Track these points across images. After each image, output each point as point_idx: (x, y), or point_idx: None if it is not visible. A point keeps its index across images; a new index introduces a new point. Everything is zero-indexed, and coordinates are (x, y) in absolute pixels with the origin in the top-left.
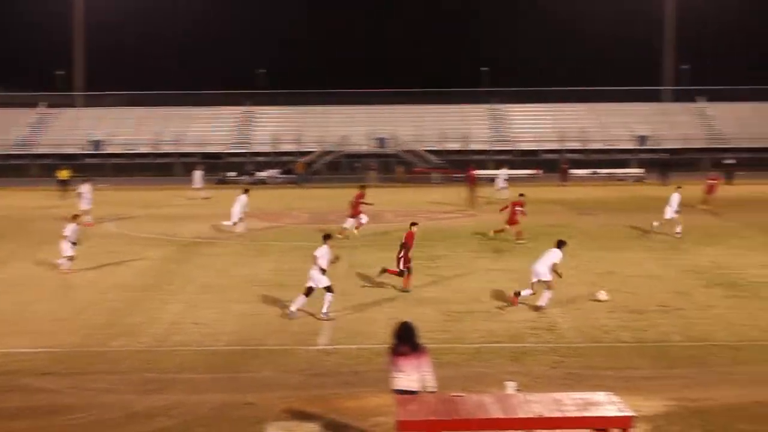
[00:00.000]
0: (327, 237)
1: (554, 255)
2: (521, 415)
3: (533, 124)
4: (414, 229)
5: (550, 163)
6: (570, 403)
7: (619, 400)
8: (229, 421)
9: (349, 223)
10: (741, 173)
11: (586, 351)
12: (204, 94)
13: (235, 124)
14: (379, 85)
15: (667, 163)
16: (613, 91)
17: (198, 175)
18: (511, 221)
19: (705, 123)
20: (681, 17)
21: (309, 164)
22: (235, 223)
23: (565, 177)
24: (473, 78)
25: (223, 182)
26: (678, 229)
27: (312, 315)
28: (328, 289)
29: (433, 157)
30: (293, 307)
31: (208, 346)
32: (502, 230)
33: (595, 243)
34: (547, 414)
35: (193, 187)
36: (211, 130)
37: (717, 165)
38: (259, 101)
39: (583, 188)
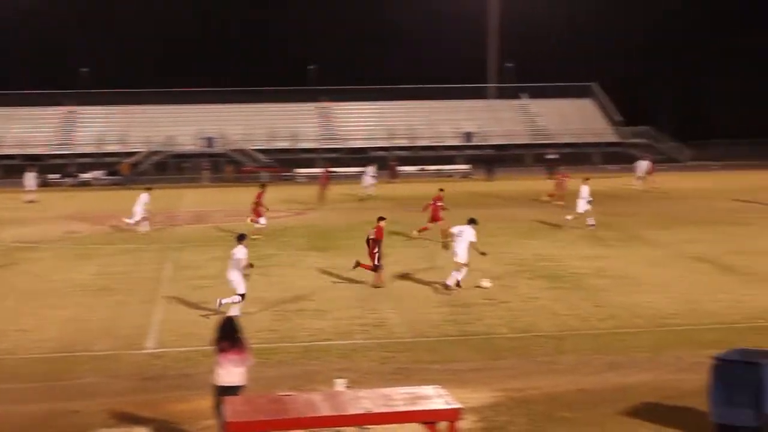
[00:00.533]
0: (241, 237)
1: (468, 233)
2: (351, 411)
3: (362, 121)
4: (382, 223)
5: (379, 161)
6: (399, 397)
7: (447, 393)
8: (53, 430)
9: (262, 221)
10: (563, 168)
11: (414, 346)
12: (25, 93)
13: (58, 124)
14: (207, 84)
15: (493, 159)
16: (440, 88)
17: (29, 176)
18: (434, 218)
19: (528, 119)
20: (504, 15)
21: (135, 165)
22: (137, 222)
23: (393, 174)
24: (301, 76)
25: (46, 184)
26: (591, 221)
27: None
28: (242, 296)
29: (262, 156)
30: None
31: (32, 354)
32: (425, 228)
33: (422, 238)
34: (376, 409)
35: (26, 189)
36: (32, 130)
37: (540, 160)
38: (83, 101)
39: (411, 185)
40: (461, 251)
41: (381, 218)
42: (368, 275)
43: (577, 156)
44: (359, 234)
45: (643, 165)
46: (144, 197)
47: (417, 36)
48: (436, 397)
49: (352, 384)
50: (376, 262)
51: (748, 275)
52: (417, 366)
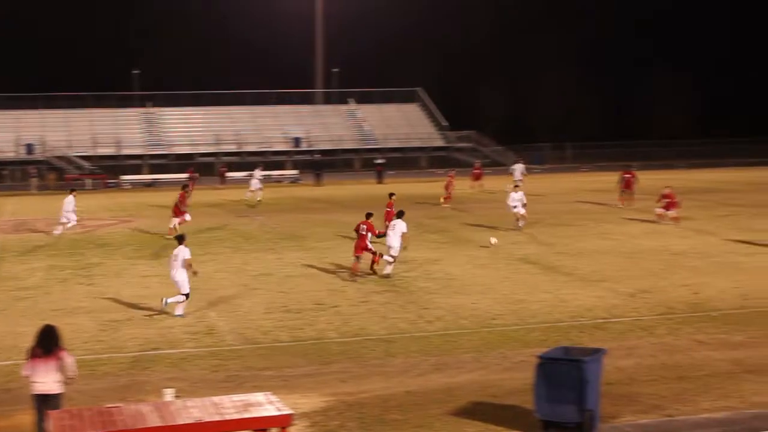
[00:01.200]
0: (181, 238)
1: (401, 225)
2: (180, 421)
3: (188, 127)
4: (371, 220)
5: (206, 167)
6: (229, 405)
7: (278, 400)
8: None
9: (174, 222)
10: (391, 172)
11: (245, 353)
12: None
13: None
14: (25, 90)
15: (321, 164)
16: (267, 94)
17: None
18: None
19: (356, 124)
20: (330, 22)
21: None
22: (63, 225)
23: (222, 180)
24: (124, 81)
25: None
26: (521, 223)
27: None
28: (187, 296)
29: (85, 163)
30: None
31: None
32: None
33: (251, 245)
34: (206, 418)
35: None
36: None
37: (369, 165)
38: None
39: (240, 191)
40: (395, 242)
41: (369, 214)
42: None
43: (404, 160)
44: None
45: (518, 169)
46: (70, 199)
47: (243, 41)
48: (267, 404)
49: (182, 393)
50: (369, 250)
51: (571, 275)
52: (248, 373)
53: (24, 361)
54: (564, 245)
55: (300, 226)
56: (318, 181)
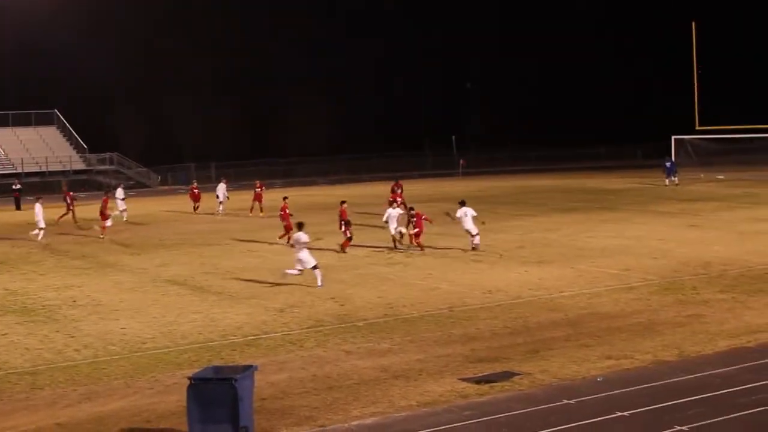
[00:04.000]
0: (300, 225)
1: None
2: None
3: None
4: (345, 206)
5: None
6: None
7: None
8: None
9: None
10: (29, 198)
11: None
12: None
13: None
14: None
15: None
16: None
17: None
18: (287, 226)
19: None
20: None
21: None
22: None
23: None
24: None
25: None
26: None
27: None
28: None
29: None
30: None
31: None
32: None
33: None
34: None
35: None
36: None
37: (7, 191)
38: None
39: None
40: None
41: (343, 201)
42: None
43: (44, 185)
44: None
45: (120, 192)
46: None
47: None
48: None
49: None
50: (347, 235)
51: (220, 294)
52: None
53: None
54: (212, 264)
55: None
56: None
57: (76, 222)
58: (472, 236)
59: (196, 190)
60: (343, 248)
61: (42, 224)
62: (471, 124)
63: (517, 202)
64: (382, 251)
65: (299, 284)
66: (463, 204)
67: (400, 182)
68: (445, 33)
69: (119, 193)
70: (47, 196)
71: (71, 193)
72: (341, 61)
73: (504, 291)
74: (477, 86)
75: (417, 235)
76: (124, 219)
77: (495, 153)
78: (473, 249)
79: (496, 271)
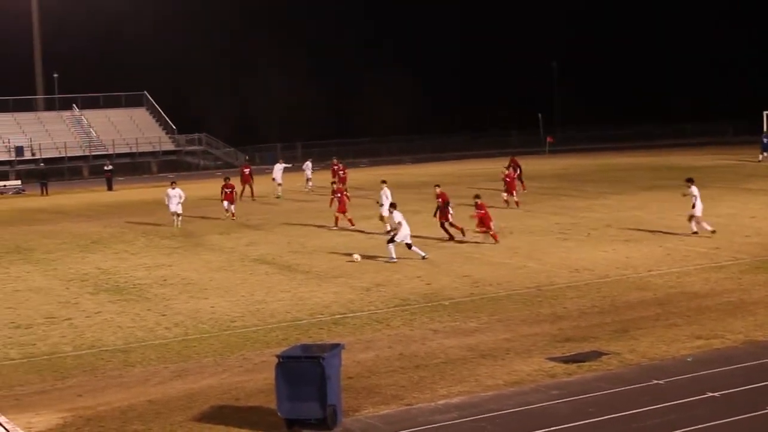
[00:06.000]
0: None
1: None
2: None
3: None
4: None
5: None
6: None
7: (8, 421)
8: None
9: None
10: (121, 179)
11: None
12: None
13: None
14: None
15: (46, 173)
16: None
17: None
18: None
19: (81, 131)
20: (46, 25)
21: None
22: None
23: None
24: None
25: None
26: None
27: None
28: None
29: None
30: None
31: None
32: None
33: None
34: None
35: None
36: None
37: (98, 172)
38: None
39: None
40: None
41: (437, 185)
42: None
43: (134, 166)
44: None
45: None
46: None
47: None
48: None
49: None
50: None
51: (307, 273)
52: None
53: None
54: (299, 244)
55: (26, 238)
56: (44, 190)
57: (253, 197)
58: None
59: (246, 170)
60: (463, 232)
61: (178, 208)
62: (557, 102)
63: (603, 180)
64: (468, 230)
65: (384, 265)
66: (691, 181)
67: (515, 158)
68: (531, 9)
69: (277, 170)
70: (136, 178)
71: (250, 168)
72: (425, 39)
73: (591, 270)
74: (563, 64)
75: (479, 224)
76: (279, 195)
77: (582, 131)
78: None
79: (583, 250)
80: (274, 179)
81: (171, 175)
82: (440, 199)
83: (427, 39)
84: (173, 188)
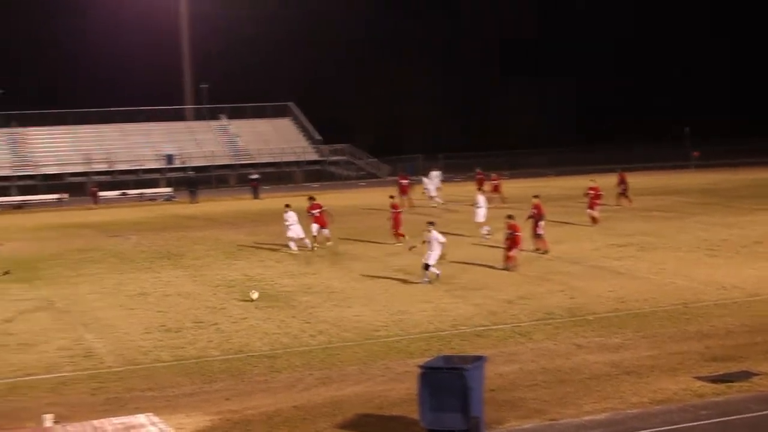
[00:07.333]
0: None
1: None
2: None
3: (56, 147)
4: (537, 200)
5: (77, 187)
6: (110, 428)
7: (160, 421)
8: None
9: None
10: (266, 188)
11: (125, 374)
12: None
13: None
14: None
15: (195, 181)
16: (137, 111)
17: None
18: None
19: (228, 140)
20: (196, 37)
21: None
22: None
23: (95, 200)
24: None
25: None
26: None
27: None
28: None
29: None
30: None
31: None
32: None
33: (126, 265)
34: None
35: None
36: None
37: (244, 180)
38: None
39: (113, 210)
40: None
41: (536, 196)
42: None
43: (279, 175)
44: (64, 262)
45: (434, 176)
46: None
47: (110, 59)
48: (149, 425)
49: (61, 419)
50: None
51: (449, 284)
52: (130, 395)
53: None
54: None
55: (176, 244)
56: (193, 198)
57: (411, 207)
58: None
59: (404, 181)
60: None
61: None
62: (705, 115)
63: (753, 195)
64: (612, 246)
65: (526, 277)
66: None
67: (623, 174)
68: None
69: (430, 181)
70: (281, 187)
71: (407, 179)
72: (579, 46)
73: (740, 288)
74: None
75: (510, 248)
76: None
77: (731, 145)
78: None
79: (732, 267)
80: (427, 190)
81: (315, 185)
82: (535, 210)
83: (581, 46)
84: (288, 211)
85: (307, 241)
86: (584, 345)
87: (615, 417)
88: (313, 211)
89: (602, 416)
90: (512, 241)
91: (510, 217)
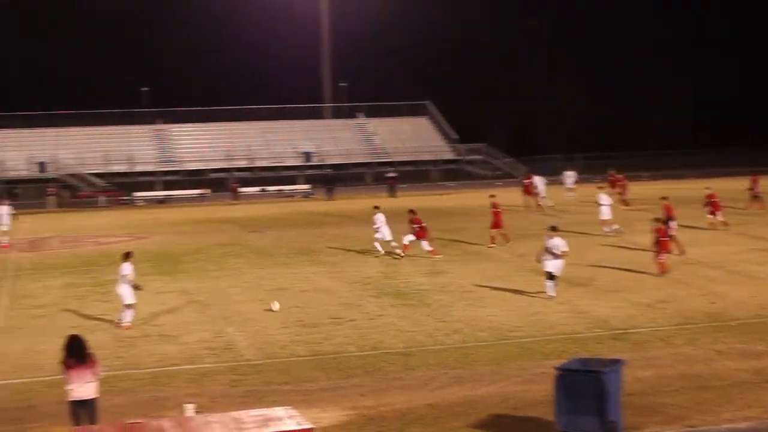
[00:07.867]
0: (127, 255)
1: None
2: None
3: (199, 143)
4: (667, 202)
5: (218, 183)
6: (249, 420)
7: (298, 414)
8: None
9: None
10: (403, 186)
11: (264, 367)
12: None
13: None
14: (36, 108)
15: (332, 179)
16: (276, 109)
17: None
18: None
19: (365, 138)
20: (336, 35)
21: None
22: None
23: (235, 196)
24: (134, 98)
25: None
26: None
27: None
28: (130, 306)
29: (98, 180)
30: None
31: None
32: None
33: (265, 260)
34: None
35: None
36: None
37: (380, 179)
38: None
39: (252, 206)
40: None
41: (664, 198)
42: None
43: (415, 174)
44: (206, 256)
45: (570, 176)
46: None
47: (251, 57)
48: (287, 419)
49: (202, 409)
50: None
51: (586, 286)
52: (267, 388)
53: (44, 379)
54: (577, 256)
55: (313, 240)
56: (330, 195)
57: (537, 207)
58: None
59: (527, 181)
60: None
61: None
62: None
63: None
64: (753, 251)
65: (666, 280)
66: None
67: (757, 177)
68: None
69: (570, 174)
70: (417, 185)
71: (531, 179)
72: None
73: None
74: None
75: (660, 252)
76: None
77: None
78: None
79: None
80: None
81: (451, 183)
82: (665, 212)
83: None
84: (377, 213)
85: (394, 243)
86: (725, 351)
87: (757, 427)
88: (414, 225)
89: (743, 425)
90: (660, 246)
91: (657, 220)
